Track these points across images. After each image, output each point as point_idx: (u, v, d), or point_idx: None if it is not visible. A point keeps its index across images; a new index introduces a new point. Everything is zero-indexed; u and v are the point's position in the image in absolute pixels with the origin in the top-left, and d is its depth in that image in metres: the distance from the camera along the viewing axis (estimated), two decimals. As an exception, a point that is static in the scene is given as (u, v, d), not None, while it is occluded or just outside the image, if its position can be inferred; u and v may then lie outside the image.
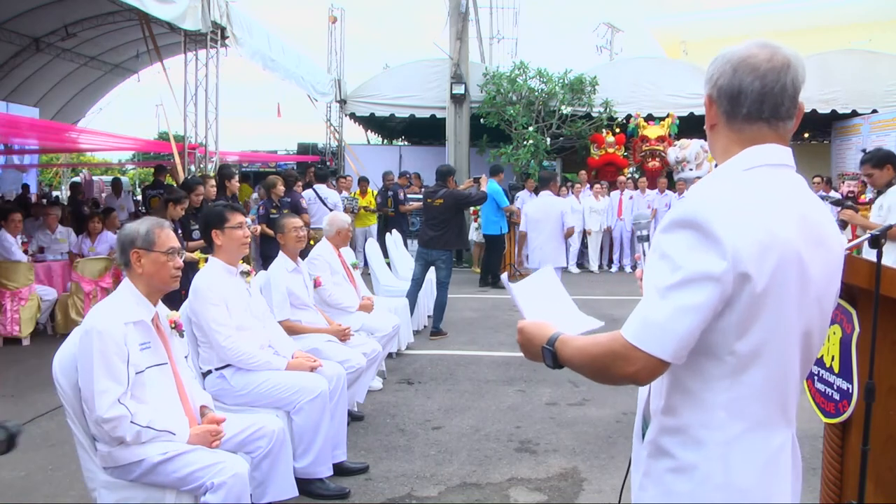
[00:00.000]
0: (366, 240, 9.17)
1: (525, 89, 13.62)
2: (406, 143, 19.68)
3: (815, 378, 2.05)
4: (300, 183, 9.11)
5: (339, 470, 3.63)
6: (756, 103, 1.33)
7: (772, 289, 1.24)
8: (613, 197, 12.49)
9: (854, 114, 13.76)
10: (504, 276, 1.69)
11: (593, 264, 12.31)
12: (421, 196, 9.69)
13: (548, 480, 3.65)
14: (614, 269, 12.36)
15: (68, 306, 7.09)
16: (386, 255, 8.31)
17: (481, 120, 13.87)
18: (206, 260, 3.67)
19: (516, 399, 5.02)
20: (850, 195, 11.80)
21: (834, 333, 1.94)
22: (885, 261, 1.70)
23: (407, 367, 5.87)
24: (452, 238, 7.01)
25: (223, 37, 8.85)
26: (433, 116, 14.59)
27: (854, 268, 1.78)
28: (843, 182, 13.36)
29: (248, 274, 3.62)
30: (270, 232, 6.62)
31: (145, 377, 2.54)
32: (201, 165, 9.15)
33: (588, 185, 12.65)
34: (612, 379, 1.32)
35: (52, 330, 7.22)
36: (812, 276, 1.29)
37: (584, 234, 12.27)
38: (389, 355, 5.79)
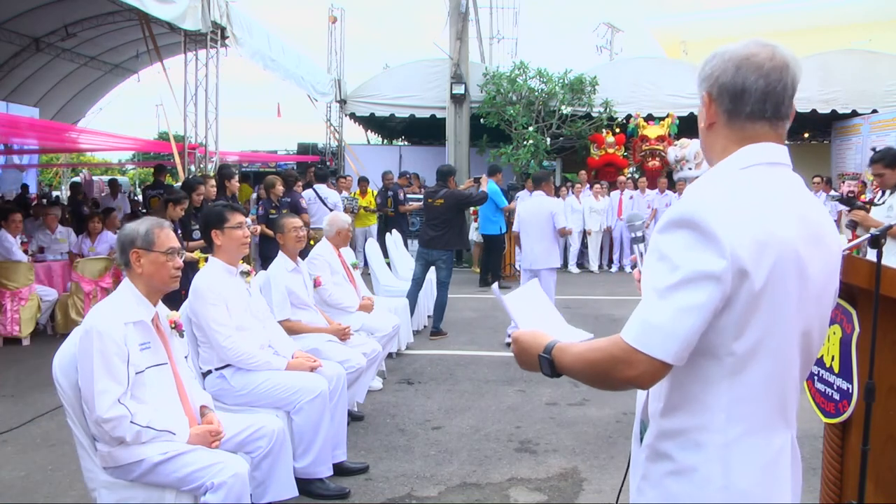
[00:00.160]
0: (366, 240, 9.18)
1: (525, 89, 13.62)
2: (406, 143, 19.68)
3: (815, 378, 2.05)
4: (300, 183, 9.11)
5: (339, 470, 3.63)
6: (759, 102, 1.33)
7: (770, 287, 1.24)
8: (613, 197, 12.49)
9: (854, 114, 13.76)
10: (495, 287, 1.67)
11: (593, 264, 12.31)
12: (421, 196, 9.71)
13: (548, 480, 3.65)
14: (614, 269, 12.36)
15: (68, 306, 7.09)
16: (386, 255, 8.31)
17: (481, 120, 13.86)
18: (206, 260, 3.67)
19: (516, 399, 5.01)
20: (850, 195, 11.81)
21: (834, 333, 1.94)
22: (885, 261, 1.70)
23: (407, 367, 5.87)
24: (453, 238, 7.00)
25: (223, 37, 8.85)
26: (433, 116, 14.59)
27: (854, 268, 1.78)
28: (843, 182, 13.37)
29: (248, 274, 3.62)
30: (270, 232, 6.61)
31: (145, 377, 2.54)
32: (201, 165, 9.15)
33: (588, 185, 12.65)
34: (613, 384, 1.30)
35: (52, 330, 7.22)
36: (811, 275, 1.29)
37: (584, 234, 12.28)
38: (389, 355, 5.79)
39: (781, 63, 1.32)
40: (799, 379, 1.35)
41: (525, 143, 13.21)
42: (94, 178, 19.47)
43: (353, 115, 15.90)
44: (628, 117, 13.62)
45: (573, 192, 12.40)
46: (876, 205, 4.86)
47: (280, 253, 4.43)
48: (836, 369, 1.94)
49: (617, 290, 9.86)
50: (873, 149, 8.43)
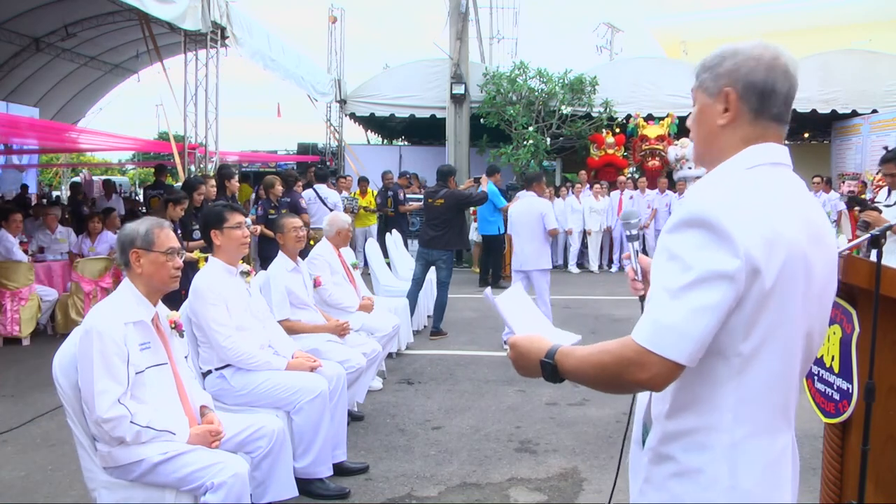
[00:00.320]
0: (366, 240, 9.18)
1: (525, 89, 13.62)
2: (406, 143, 19.69)
3: (815, 378, 2.05)
4: (300, 183, 9.10)
5: (339, 470, 3.63)
6: (784, 105, 1.36)
7: (779, 287, 1.24)
8: (613, 197, 12.48)
9: (854, 114, 13.76)
10: (487, 291, 1.64)
11: (593, 264, 12.31)
12: (421, 196, 9.70)
13: (548, 480, 3.65)
14: (614, 269, 12.35)
15: (68, 306, 7.08)
16: (386, 255, 8.31)
17: (481, 120, 13.86)
18: (206, 260, 3.67)
19: (516, 399, 5.01)
20: (850, 195, 11.81)
21: (834, 333, 1.94)
22: (885, 261, 1.70)
23: (407, 367, 5.86)
24: (453, 238, 7.00)
25: (223, 37, 8.84)
26: (433, 116, 14.59)
27: (854, 268, 1.78)
28: (843, 182, 13.36)
29: (247, 274, 3.62)
30: (270, 233, 6.61)
31: (145, 377, 2.54)
32: (201, 165, 9.15)
33: (588, 186, 12.65)
34: (623, 387, 1.28)
35: (52, 330, 7.22)
36: (815, 274, 1.30)
37: (584, 234, 12.27)
38: (389, 355, 5.79)
39: (795, 68, 1.36)
40: (799, 378, 1.35)
41: (525, 143, 13.21)
42: (94, 178, 19.49)
43: (353, 115, 15.90)
44: (628, 117, 13.62)
45: (573, 192, 12.39)
46: (887, 206, 4.80)
47: (280, 253, 4.43)
48: (836, 369, 1.94)
49: (617, 290, 9.86)
50: (885, 147, 8.37)
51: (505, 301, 1.64)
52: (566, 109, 13.58)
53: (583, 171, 13.43)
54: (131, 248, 2.62)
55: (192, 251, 6.15)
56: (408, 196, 11.86)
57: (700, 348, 1.22)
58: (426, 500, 3.43)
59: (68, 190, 16.19)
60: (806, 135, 17.85)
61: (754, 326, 1.25)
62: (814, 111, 13.44)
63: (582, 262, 12.51)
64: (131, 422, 2.43)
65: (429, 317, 7.46)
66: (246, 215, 4.05)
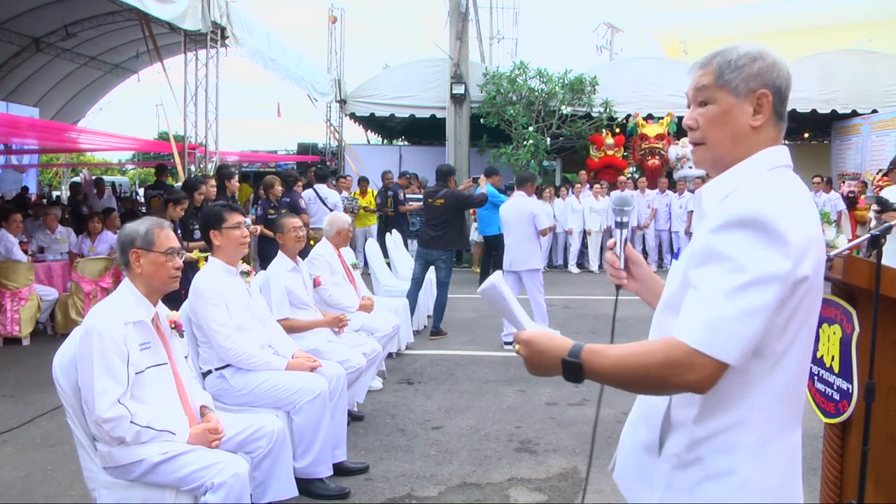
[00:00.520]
0: (366, 240, 9.17)
1: (525, 89, 13.62)
2: (406, 143, 19.69)
3: (815, 378, 2.05)
4: (300, 183, 9.10)
5: (339, 470, 3.63)
6: (784, 105, 1.39)
7: (814, 286, 1.26)
8: (613, 197, 12.49)
9: (854, 114, 13.76)
10: (495, 282, 1.50)
11: (593, 264, 12.30)
12: (421, 196, 9.70)
13: (548, 480, 3.65)
14: (614, 269, 12.34)
15: (68, 306, 7.08)
16: (386, 255, 8.31)
17: (481, 120, 13.86)
18: (205, 260, 3.67)
19: (516, 399, 5.01)
20: (850, 195, 11.80)
21: (834, 333, 1.94)
22: (885, 261, 1.70)
23: (407, 367, 5.86)
24: (453, 238, 7.00)
25: (223, 37, 8.85)
26: (433, 116, 14.59)
27: (854, 268, 1.78)
28: (843, 182, 13.36)
29: (247, 274, 3.62)
30: (269, 233, 6.61)
31: (145, 377, 2.54)
32: (201, 165, 9.15)
33: (588, 186, 12.65)
34: (665, 389, 1.26)
35: (52, 330, 7.22)
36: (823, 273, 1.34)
37: (584, 234, 12.27)
38: (389, 355, 5.79)
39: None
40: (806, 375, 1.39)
41: (525, 143, 13.21)
42: (94, 178, 19.48)
43: (353, 115, 15.90)
44: (628, 117, 13.63)
45: (573, 193, 12.39)
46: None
47: (280, 252, 4.43)
48: (836, 369, 1.94)
49: (617, 290, 9.84)
50: None
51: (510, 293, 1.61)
52: (566, 109, 13.58)
53: (583, 171, 13.43)
54: (131, 248, 2.62)
55: (192, 251, 6.15)
56: (408, 196, 11.85)
57: (750, 349, 1.21)
58: (426, 500, 3.43)
59: (68, 190, 16.18)
60: (806, 135, 17.85)
61: (789, 324, 1.26)
62: (814, 111, 13.44)
63: (582, 262, 12.51)
64: (131, 422, 2.42)
65: (429, 317, 7.46)
66: (245, 215, 4.04)
